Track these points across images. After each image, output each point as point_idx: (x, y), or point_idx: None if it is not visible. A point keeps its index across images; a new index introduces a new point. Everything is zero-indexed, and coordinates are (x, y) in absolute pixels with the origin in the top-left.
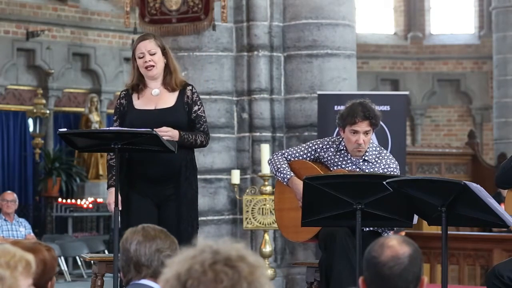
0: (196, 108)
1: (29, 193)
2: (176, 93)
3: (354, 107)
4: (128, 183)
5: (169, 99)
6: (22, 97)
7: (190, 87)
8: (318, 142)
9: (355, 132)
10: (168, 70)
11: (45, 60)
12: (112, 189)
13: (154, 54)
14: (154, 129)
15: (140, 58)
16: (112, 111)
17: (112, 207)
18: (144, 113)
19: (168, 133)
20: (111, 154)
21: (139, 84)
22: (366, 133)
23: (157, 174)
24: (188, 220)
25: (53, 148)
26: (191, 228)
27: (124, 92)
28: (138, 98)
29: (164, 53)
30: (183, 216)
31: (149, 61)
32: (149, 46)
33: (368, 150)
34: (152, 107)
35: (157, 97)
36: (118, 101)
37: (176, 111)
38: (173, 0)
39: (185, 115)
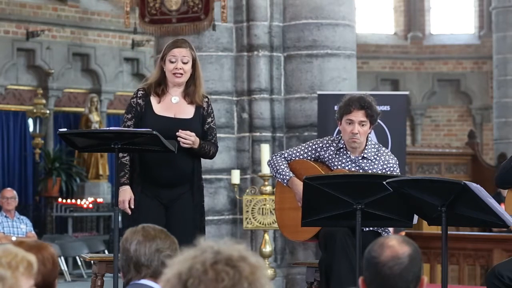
0: (209, 120)
1: (29, 193)
2: (194, 105)
3: (352, 98)
4: (137, 185)
5: (188, 110)
6: (22, 97)
7: (206, 99)
8: (318, 142)
9: (351, 122)
10: (193, 81)
11: (45, 60)
12: (125, 187)
13: (186, 63)
14: (180, 131)
15: (171, 62)
16: (112, 111)
17: (125, 205)
18: (163, 119)
19: (191, 138)
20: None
21: (160, 84)
22: (361, 123)
23: (167, 178)
24: (195, 224)
25: (53, 148)
26: (197, 231)
27: (141, 92)
28: (158, 102)
29: (194, 64)
30: (190, 220)
31: (180, 68)
32: (184, 53)
33: (367, 147)
34: (172, 115)
35: (177, 105)
36: (135, 100)
37: (194, 123)
38: (173, 0)
39: (201, 127)
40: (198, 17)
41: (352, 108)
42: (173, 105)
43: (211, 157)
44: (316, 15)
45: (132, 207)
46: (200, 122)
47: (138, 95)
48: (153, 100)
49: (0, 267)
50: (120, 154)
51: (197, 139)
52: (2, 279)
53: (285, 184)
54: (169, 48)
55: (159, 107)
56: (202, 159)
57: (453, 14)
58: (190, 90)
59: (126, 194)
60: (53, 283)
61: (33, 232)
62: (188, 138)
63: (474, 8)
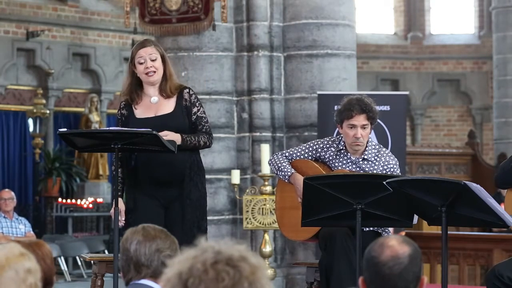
0: (195, 109)
1: (29, 193)
2: (174, 98)
3: (351, 102)
4: (135, 186)
5: (168, 105)
6: (22, 97)
7: (187, 90)
8: (319, 142)
9: (353, 126)
10: (164, 76)
11: (45, 60)
12: (119, 200)
13: (154, 60)
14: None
15: (140, 64)
16: (112, 111)
17: (122, 219)
18: (144, 121)
19: (168, 137)
20: (113, 168)
21: (136, 91)
22: (363, 127)
23: (162, 177)
24: (193, 222)
25: (53, 148)
26: (196, 229)
27: (123, 103)
28: (137, 108)
29: (163, 59)
30: (187, 218)
31: (150, 67)
32: (150, 51)
33: (367, 148)
34: (152, 115)
35: (156, 104)
36: (119, 111)
37: (176, 116)
38: (173, 0)
39: (186, 119)
40: (198, 17)
41: (354, 113)
42: (152, 105)
43: (204, 146)
44: (316, 15)
45: (123, 219)
46: (184, 114)
47: (121, 106)
48: (134, 106)
49: (29, 261)
50: (112, 167)
51: (176, 135)
52: (29, 272)
53: (286, 181)
54: (135, 50)
55: (140, 111)
56: (201, 159)
57: (453, 14)
58: (163, 85)
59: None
60: (52, 279)
61: (32, 232)
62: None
63: (474, 8)
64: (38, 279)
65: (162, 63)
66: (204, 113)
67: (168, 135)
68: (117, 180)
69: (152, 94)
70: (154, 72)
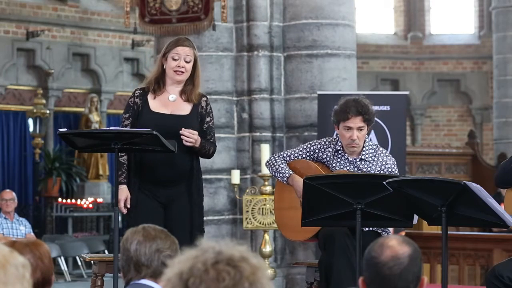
0: (208, 119)
1: (29, 193)
2: (191, 103)
3: (348, 103)
4: (137, 185)
5: (184, 107)
6: (22, 97)
7: (205, 98)
8: (316, 143)
9: (349, 128)
10: (191, 81)
11: (45, 60)
12: (123, 186)
13: (188, 62)
14: (183, 129)
15: (174, 60)
16: (112, 111)
17: (121, 204)
18: (159, 116)
19: (194, 137)
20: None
21: (159, 82)
22: (359, 129)
23: (165, 177)
24: (197, 226)
25: (53, 148)
26: (199, 232)
27: (139, 91)
28: (154, 99)
29: (195, 63)
30: (194, 223)
31: (182, 67)
32: (187, 52)
33: (364, 149)
34: (168, 112)
35: (173, 103)
36: (132, 99)
37: (191, 120)
38: (173, 0)
39: (198, 125)
40: (198, 17)
41: (350, 115)
42: (169, 103)
43: (210, 156)
44: (316, 15)
45: (128, 206)
46: (197, 120)
47: (136, 95)
48: (150, 98)
49: (19, 255)
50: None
51: (199, 138)
52: (25, 266)
53: (284, 182)
54: (173, 45)
55: (156, 104)
56: (200, 158)
57: (453, 14)
58: (187, 88)
59: (122, 193)
60: (51, 279)
61: (32, 233)
62: (191, 137)
63: (474, 8)
64: (29, 273)
65: (192, 67)
66: (213, 124)
67: (195, 135)
68: (122, 170)
69: (171, 92)
70: (183, 72)
